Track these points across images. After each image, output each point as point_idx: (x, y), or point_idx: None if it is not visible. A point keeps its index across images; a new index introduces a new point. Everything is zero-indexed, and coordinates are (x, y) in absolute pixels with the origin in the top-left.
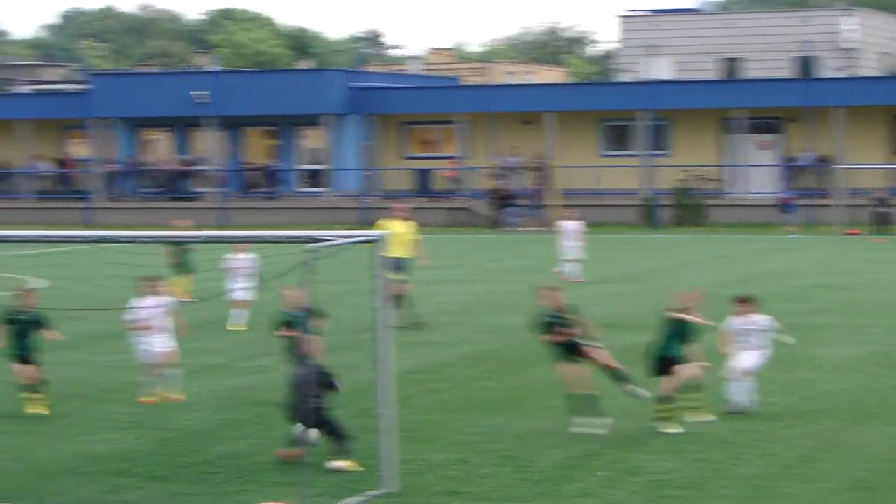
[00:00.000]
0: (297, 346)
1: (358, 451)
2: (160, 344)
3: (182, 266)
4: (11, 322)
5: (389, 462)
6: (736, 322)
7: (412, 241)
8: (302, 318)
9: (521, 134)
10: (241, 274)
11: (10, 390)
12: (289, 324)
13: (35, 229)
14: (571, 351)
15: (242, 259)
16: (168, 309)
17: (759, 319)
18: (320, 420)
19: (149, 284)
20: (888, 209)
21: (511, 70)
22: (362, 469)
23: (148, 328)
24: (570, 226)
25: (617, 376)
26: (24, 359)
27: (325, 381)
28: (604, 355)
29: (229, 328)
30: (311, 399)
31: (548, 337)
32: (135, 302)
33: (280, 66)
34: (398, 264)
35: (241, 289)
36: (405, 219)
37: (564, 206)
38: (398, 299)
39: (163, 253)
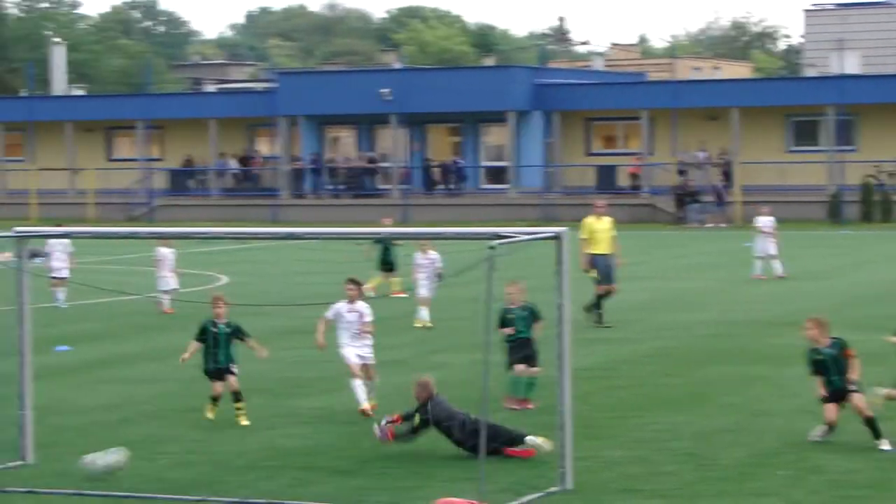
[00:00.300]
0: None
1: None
2: (360, 354)
3: (385, 263)
4: (205, 336)
5: (568, 458)
6: None
7: (612, 238)
8: (522, 315)
9: (706, 130)
10: (426, 271)
11: (191, 386)
12: (507, 322)
13: (222, 226)
14: (838, 397)
15: (429, 256)
16: (368, 317)
17: None
18: (493, 435)
19: (352, 288)
20: None
21: (696, 65)
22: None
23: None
24: (764, 222)
25: (870, 425)
26: (218, 373)
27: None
28: (860, 402)
29: (417, 325)
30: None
31: (822, 391)
32: (337, 306)
33: (464, 64)
34: (603, 262)
35: (425, 286)
36: (605, 215)
37: (759, 202)
38: (603, 297)
39: (365, 250)
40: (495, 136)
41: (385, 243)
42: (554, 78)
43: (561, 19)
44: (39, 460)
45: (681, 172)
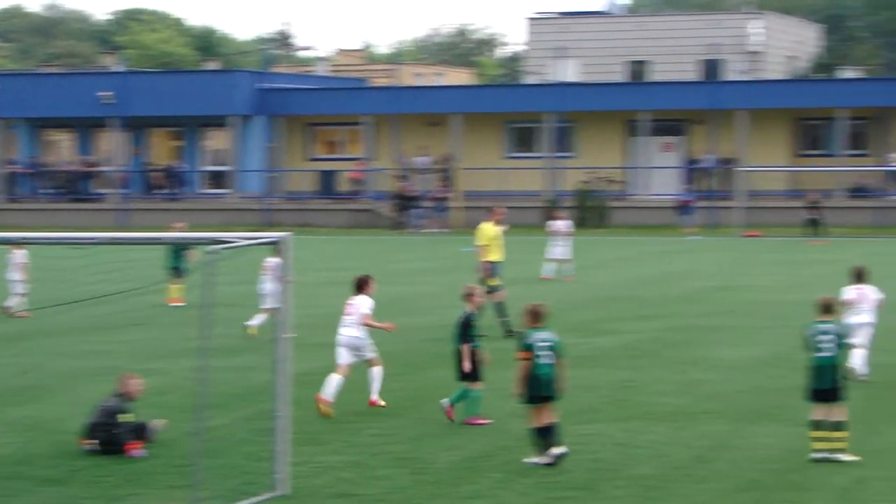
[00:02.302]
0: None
1: (252, 453)
2: None
3: (176, 270)
4: None
5: (283, 464)
6: None
7: (502, 245)
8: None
9: (427, 135)
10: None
11: None
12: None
13: None
14: None
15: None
16: None
17: None
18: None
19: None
20: (820, 212)
21: (419, 72)
22: None
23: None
24: (560, 226)
25: None
26: None
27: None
28: None
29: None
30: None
31: None
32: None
33: (186, 67)
34: (495, 269)
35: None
36: (500, 222)
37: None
38: (498, 305)
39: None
40: (216, 141)
41: (176, 248)
42: (277, 83)
43: (285, 24)
44: None
45: (401, 178)
